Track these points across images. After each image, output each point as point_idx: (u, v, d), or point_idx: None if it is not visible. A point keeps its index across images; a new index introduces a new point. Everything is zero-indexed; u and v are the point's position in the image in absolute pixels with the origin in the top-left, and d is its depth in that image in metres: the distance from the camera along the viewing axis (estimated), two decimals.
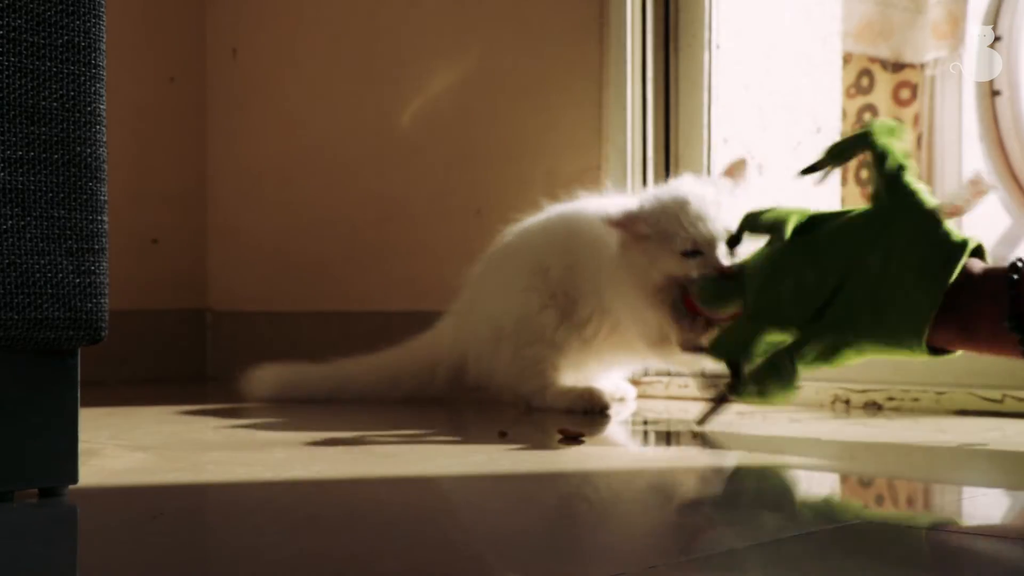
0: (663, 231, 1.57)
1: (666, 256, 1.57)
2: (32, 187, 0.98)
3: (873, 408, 1.74)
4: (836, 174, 2.26)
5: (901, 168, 1.38)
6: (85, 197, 1.01)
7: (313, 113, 2.47)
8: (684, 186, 1.62)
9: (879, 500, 1.10)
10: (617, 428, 1.60)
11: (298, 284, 2.48)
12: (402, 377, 1.92)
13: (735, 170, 1.63)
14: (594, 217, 1.70)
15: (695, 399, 1.93)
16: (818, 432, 1.52)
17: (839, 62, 2.31)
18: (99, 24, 1.02)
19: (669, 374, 2.04)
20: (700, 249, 1.55)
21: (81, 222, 1.00)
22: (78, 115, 1.00)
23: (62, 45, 0.99)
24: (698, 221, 1.56)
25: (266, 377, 1.95)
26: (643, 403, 1.90)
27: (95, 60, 1.01)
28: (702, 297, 1.51)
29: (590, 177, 1.98)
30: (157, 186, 2.53)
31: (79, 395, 1.03)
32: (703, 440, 1.45)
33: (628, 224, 1.60)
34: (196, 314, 2.59)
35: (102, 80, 1.02)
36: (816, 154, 1.48)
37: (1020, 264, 1.24)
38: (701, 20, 2.02)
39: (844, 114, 3.01)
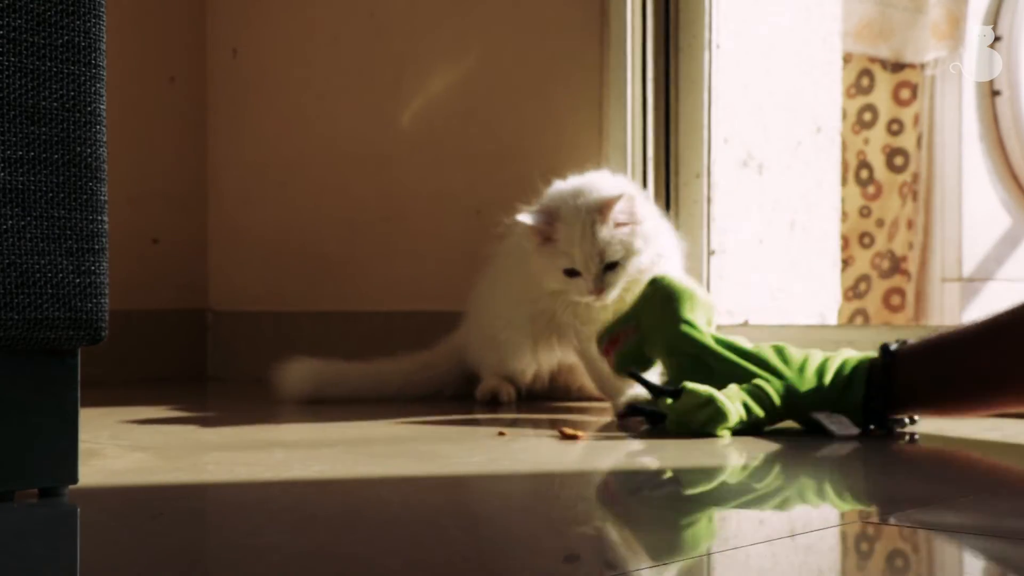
0: (557, 242, 1.68)
1: (555, 267, 1.68)
2: (32, 187, 0.98)
3: None
4: (836, 172, 2.26)
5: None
6: (85, 197, 1.01)
7: (313, 113, 2.47)
8: (583, 194, 1.70)
9: (879, 500, 1.10)
10: (618, 429, 1.60)
11: (298, 284, 2.48)
12: (432, 375, 1.96)
13: (608, 207, 1.66)
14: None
15: None
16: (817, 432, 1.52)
17: (839, 62, 2.31)
18: (99, 24, 1.02)
19: None
20: (579, 272, 1.67)
21: (81, 222, 1.00)
22: (78, 115, 1.00)
23: (62, 45, 0.99)
24: (580, 243, 1.66)
25: (299, 373, 1.91)
26: None
27: (95, 60, 1.01)
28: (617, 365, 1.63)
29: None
30: (157, 186, 2.53)
31: (79, 395, 1.03)
32: (702, 440, 1.45)
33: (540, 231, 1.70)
34: (196, 314, 2.59)
35: (102, 80, 1.02)
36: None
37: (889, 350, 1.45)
38: (701, 20, 2.02)
39: (844, 114, 3.01)
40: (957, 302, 3.14)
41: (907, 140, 3.19)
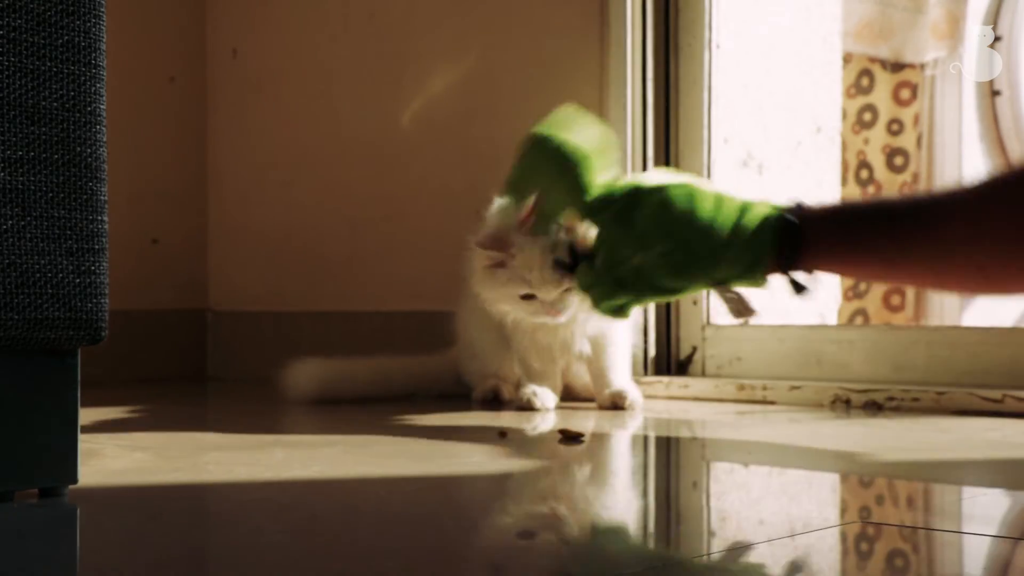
0: (512, 268, 1.63)
1: (510, 294, 1.64)
2: (32, 187, 0.98)
3: (873, 408, 1.74)
4: (836, 172, 2.26)
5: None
6: (85, 197, 1.01)
7: (313, 113, 2.47)
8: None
9: (879, 500, 1.10)
10: (619, 429, 1.60)
11: (298, 284, 2.48)
12: (443, 373, 1.99)
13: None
14: None
15: (695, 399, 1.93)
16: (818, 432, 1.52)
17: (839, 62, 2.31)
18: (99, 24, 1.02)
19: (670, 373, 2.04)
20: (536, 296, 1.63)
21: (81, 222, 1.00)
22: (78, 115, 1.00)
23: (62, 45, 0.99)
24: (540, 268, 1.61)
25: (307, 373, 1.90)
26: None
27: (95, 60, 1.01)
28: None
29: None
30: (157, 186, 2.53)
31: (79, 395, 1.03)
32: (702, 441, 1.46)
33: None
34: (196, 314, 2.59)
35: (102, 80, 1.02)
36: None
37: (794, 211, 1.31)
38: (701, 20, 2.02)
39: (844, 114, 3.01)
40: (957, 302, 3.14)
41: (907, 140, 3.19)
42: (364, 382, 1.93)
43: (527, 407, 1.75)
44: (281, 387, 1.89)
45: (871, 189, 3.19)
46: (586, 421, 1.64)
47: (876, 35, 3.15)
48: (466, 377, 1.95)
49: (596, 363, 1.80)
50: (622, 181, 1.40)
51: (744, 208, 1.33)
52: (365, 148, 2.39)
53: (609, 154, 1.43)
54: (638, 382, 2.00)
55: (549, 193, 1.45)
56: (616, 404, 1.77)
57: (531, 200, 1.49)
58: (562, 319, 1.66)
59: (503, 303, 1.68)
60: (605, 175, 1.40)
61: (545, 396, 1.77)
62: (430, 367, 1.99)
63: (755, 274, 1.32)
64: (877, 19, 3.15)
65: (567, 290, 1.63)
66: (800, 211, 1.32)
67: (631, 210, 1.35)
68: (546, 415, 1.70)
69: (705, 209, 1.32)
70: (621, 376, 1.81)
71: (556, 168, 1.41)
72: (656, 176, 1.41)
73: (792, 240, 1.30)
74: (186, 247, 2.59)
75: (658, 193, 1.34)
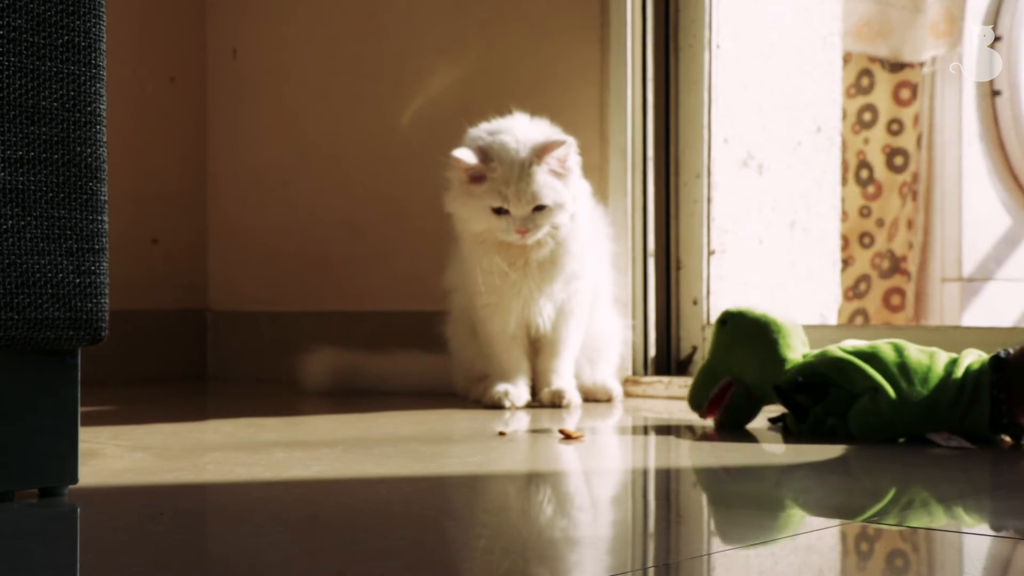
0: (490, 181, 1.71)
1: (483, 206, 1.72)
2: (32, 187, 0.98)
3: None
4: (836, 172, 2.26)
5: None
6: (85, 197, 1.01)
7: (313, 113, 2.47)
8: (515, 133, 1.73)
9: (879, 499, 1.10)
10: (618, 429, 1.60)
11: (298, 284, 2.48)
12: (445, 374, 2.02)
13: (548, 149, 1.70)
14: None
15: None
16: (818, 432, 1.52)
17: (839, 62, 2.31)
18: (99, 24, 1.02)
19: (669, 373, 2.04)
20: (508, 211, 1.70)
21: (81, 222, 1.00)
22: (78, 115, 1.00)
23: (62, 45, 0.99)
24: (516, 182, 1.69)
25: (322, 362, 2.02)
26: (642, 403, 1.90)
27: (95, 60, 1.01)
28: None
29: (591, 177, 1.98)
30: (157, 186, 2.53)
31: (79, 395, 1.03)
32: (700, 440, 1.46)
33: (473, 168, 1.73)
34: (196, 314, 2.59)
35: (102, 80, 1.02)
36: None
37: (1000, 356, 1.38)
38: (701, 20, 2.02)
39: (844, 114, 3.01)
40: (957, 302, 3.14)
41: (907, 140, 3.19)
42: (375, 374, 2.00)
43: (497, 406, 1.77)
44: (295, 376, 2.00)
45: (871, 189, 3.19)
46: (589, 421, 1.64)
47: (875, 34, 3.15)
48: (456, 383, 1.95)
49: (545, 361, 1.83)
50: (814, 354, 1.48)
51: (951, 361, 1.41)
52: (365, 148, 2.39)
53: (797, 332, 1.52)
54: (638, 382, 2.00)
55: (742, 373, 1.51)
56: (555, 402, 1.80)
57: (720, 385, 1.53)
58: (528, 239, 1.71)
59: (476, 219, 1.74)
60: (796, 349, 1.50)
61: (516, 395, 1.79)
62: (439, 363, 2.00)
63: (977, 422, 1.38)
64: (876, 18, 3.15)
65: (538, 208, 1.70)
66: (1000, 360, 1.38)
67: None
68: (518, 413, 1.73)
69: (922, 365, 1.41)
70: (567, 377, 1.83)
71: (753, 348, 1.50)
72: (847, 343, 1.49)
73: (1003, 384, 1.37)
74: (186, 247, 2.59)
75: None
